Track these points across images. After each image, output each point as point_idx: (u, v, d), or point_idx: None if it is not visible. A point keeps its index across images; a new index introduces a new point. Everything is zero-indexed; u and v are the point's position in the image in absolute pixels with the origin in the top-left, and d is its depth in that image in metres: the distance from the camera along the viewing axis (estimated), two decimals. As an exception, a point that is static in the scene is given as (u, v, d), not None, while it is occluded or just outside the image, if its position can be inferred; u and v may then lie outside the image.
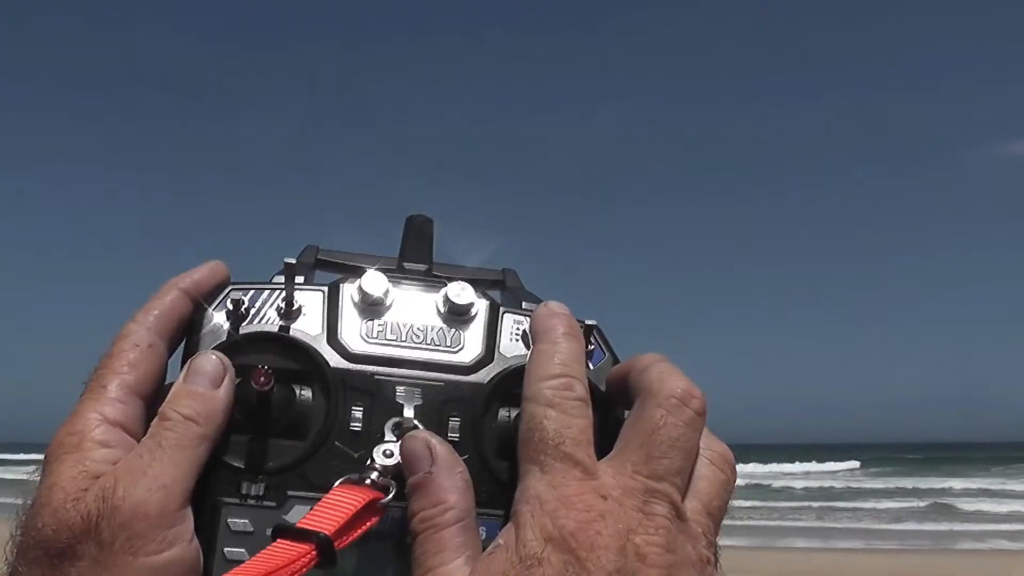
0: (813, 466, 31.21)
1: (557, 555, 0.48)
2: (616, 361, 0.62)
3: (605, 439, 0.55)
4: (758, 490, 21.24)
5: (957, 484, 22.50)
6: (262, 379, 0.55)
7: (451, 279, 0.62)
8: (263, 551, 0.49)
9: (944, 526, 14.41)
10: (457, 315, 0.61)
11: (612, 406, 0.60)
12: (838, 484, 24.36)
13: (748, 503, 17.23)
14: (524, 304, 0.65)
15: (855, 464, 32.41)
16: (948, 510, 17.24)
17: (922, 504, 18.33)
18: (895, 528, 14.27)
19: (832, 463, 32.32)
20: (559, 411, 0.53)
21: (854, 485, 23.97)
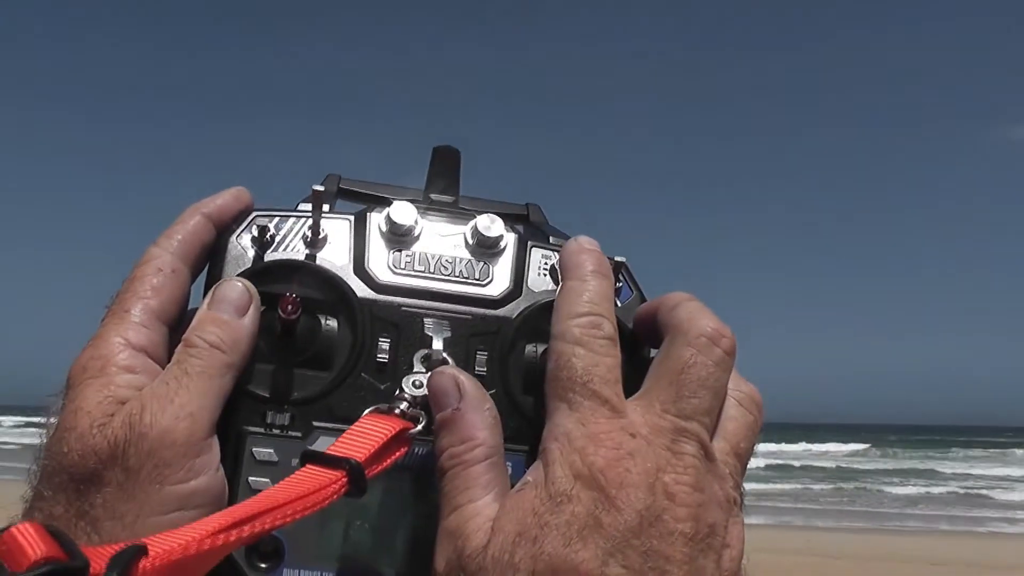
0: (819, 447, 30.95)
1: (586, 492, 0.47)
2: (643, 299, 0.61)
3: (632, 377, 0.54)
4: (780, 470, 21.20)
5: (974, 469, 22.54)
6: (290, 307, 0.54)
7: (478, 212, 0.61)
8: (292, 476, 0.49)
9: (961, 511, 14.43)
10: (486, 248, 0.60)
11: (639, 344, 0.59)
12: (849, 465, 24.33)
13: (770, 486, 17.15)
14: (551, 239, 0.64)
15: (863, 446, 32.22)
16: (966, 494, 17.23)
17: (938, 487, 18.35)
18: (916, 512, 14.27)
19: (837, 444, 32.13)
20: (587, 349, 0.52)
21: (869, 467, 23.96)
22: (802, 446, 30.16)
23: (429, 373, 0.54)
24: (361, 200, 0.67)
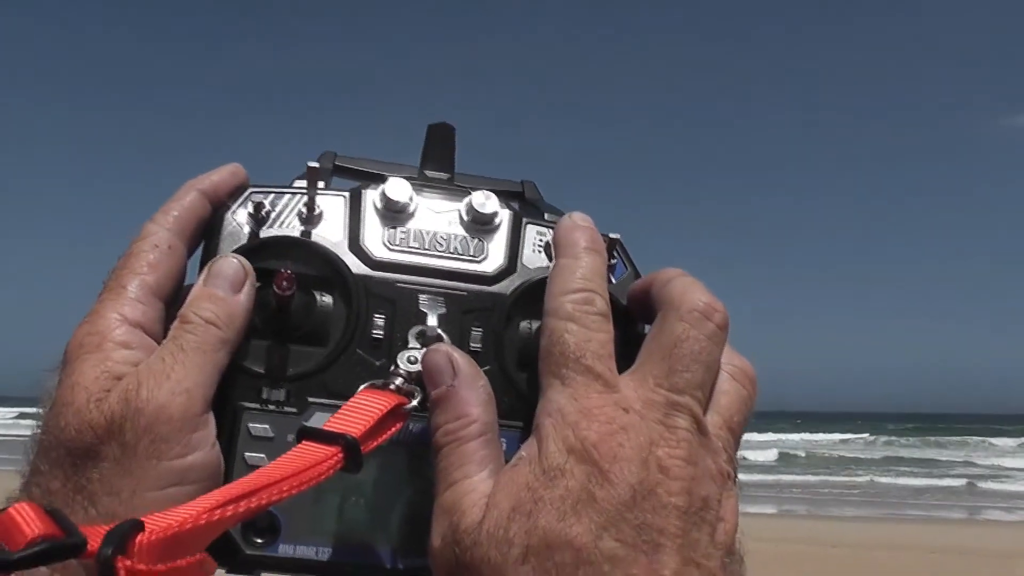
0: (823, 437, 30.36)
1: (580, 467, 0.47)
2: (637, 275, 0.61)
3: (626, 353, 0.54)
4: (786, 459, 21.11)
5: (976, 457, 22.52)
6: (284, 283, 0.54)
7: (473, 189, 0.61)
8: (289, 452, 0.49)
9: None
10: (481, 224, 0.60)
11: (633, 320, 0.60)
12: (853, 454, 24.25)
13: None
14: (546, 216, 0.64)
15: (865, 435, 31.82)
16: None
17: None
18: (916, 501, 14.26)
19: (840, 434, 31.69)
20: (579, 325, 0.52)
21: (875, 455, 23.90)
22: (801, 436, 30.03)
23: (424, 349, 0.54)
24: (356, 177, 0.67)
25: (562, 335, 0.52)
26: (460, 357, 0.53)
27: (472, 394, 0.52)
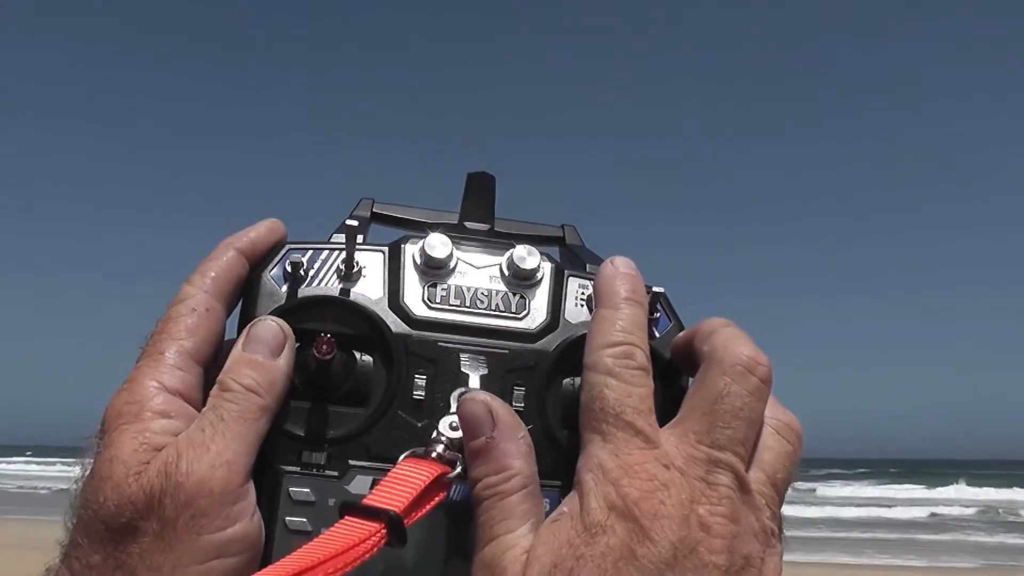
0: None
1: (621, 523, 0.47)
2: (682, 328, 0.60)
3: (670, 408, 0.53)
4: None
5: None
6: (324, 348, 0.53)
7: (514, 236, 0.60)
8: (331, 528, 0.48)
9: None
10: (522, 280, 0.58)
11: (677, 374, 0.58)
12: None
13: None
14: (588, 267, 0.62)
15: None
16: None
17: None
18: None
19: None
20: (619, 380, 0.51)
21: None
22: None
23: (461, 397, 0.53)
24: (395, 225, 0.66)
25: (602, 390, 0.51)
26: (500, 406, 0.52)
27: (513, 446, 0.51)
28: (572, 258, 0.66)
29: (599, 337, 0.53)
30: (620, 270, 0.56)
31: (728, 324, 0.55)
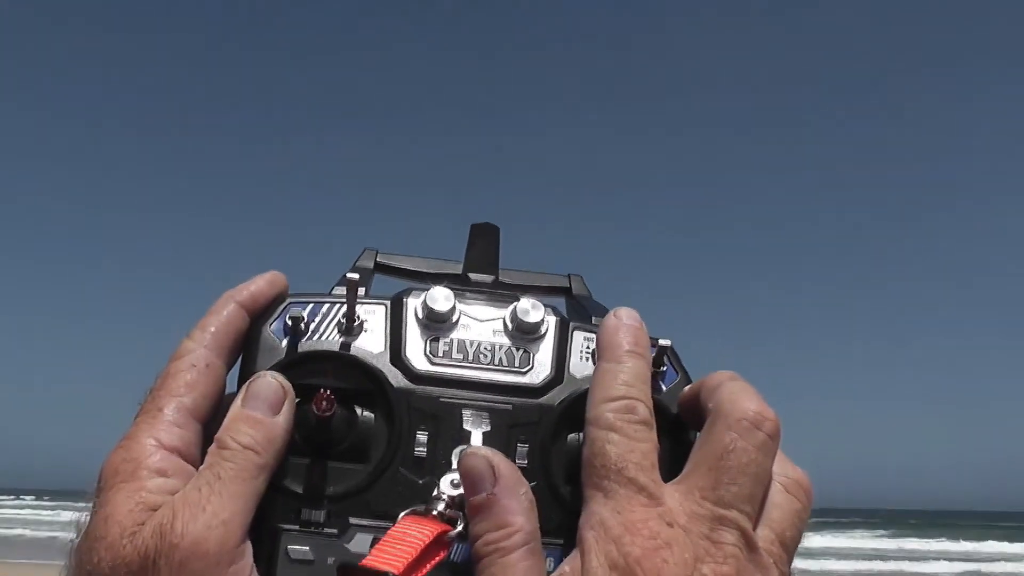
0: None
1: None
2: (689, 381, 0.59)
3: (677, 463, 0.52)
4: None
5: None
6: (324, 404, 0.52)
7: (519, 287, 0.59)
8: None
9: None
10: (526, 333, 0.57)
11: (684, 429, 0.57)
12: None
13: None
14: (593, 318, 0.62)
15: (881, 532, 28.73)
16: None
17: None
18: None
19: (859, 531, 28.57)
20: (621, 435, 0.51)
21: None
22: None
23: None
24: (399, 276, 0.65)
25: (603, 445, 0.50)
26: (501, 461, 0.51)
27: (514, 502, 0.49)
28: (579, 309, 0.66)
29: (601, 391, 0.53)
30: (624, 322, 0.56)
31: (734, 377, 0.54)
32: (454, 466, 0.53)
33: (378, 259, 0.66)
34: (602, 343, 0.55)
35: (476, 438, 0.54)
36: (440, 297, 0.57)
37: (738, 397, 0.52)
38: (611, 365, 0.54)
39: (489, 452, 0.51)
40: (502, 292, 0.61)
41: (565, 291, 0.68)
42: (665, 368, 0.58)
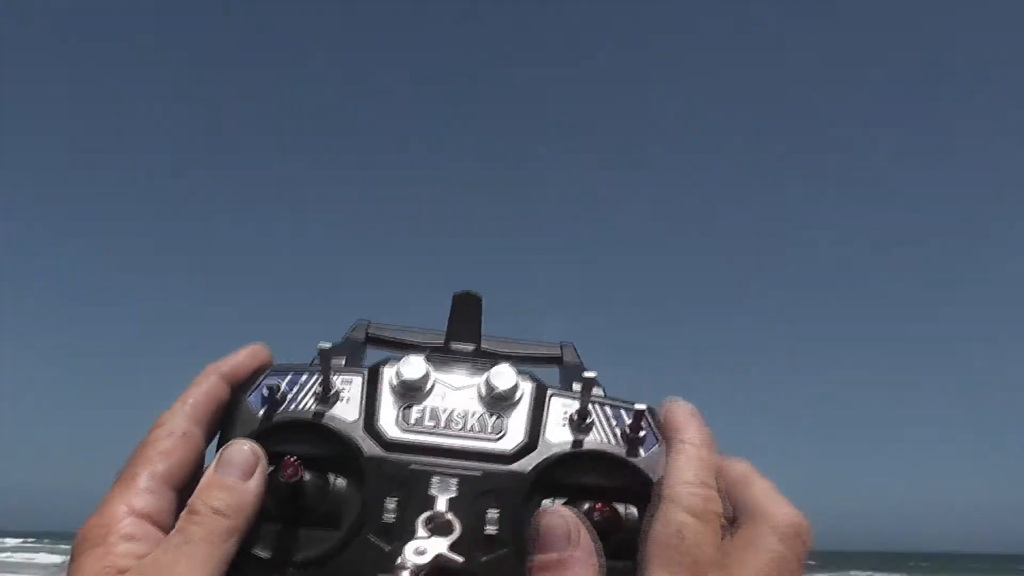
0: None
1: None
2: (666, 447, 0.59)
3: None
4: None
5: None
6: (289, 471, 0.53)
7: (501, 354, 0.60)
8: None
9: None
10: (500, 400, 0.58)
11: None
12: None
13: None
14: (574, 385, 0.62)
15: None
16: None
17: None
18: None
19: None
20: (703, 523, 0.52)
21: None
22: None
23: (430, 537, 0.52)
24: (387, 347, 0.67)
25: (679, 528, 0.51)
26: (585, 531, 0.51)
27: (589, 571, 0.50)
28: (571, 378, 0.65)
29: (684, 472, 0.54)
30: (694, 411, 0.58)
31: (753, 469, 0.56)
32: (419, 533, 0.53)
33: (369, 331, 0.67)
34: (675, 425, 0.57)
35: (441, 504, 0.54)
36: (414, 365, 0.58)
37: (774, 498, 0.54)
38: (692, 449, 0.55)
39: (576, 519, 0.51)
40: (483, 359, 0.62)
41: (556, 360, 0.69)
42: (644, 433, 0.58)
